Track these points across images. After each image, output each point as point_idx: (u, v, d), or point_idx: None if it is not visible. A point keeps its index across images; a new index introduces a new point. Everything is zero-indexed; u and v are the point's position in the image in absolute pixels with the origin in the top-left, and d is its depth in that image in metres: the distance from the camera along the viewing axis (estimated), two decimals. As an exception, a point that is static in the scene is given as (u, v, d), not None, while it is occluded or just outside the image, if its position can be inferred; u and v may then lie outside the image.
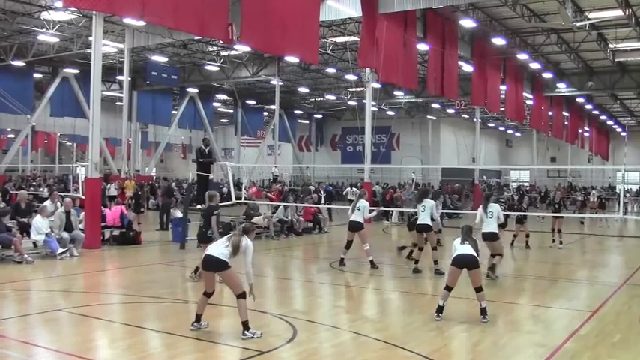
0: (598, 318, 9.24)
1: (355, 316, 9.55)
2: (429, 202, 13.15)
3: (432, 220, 13.28)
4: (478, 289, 8.87)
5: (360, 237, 13.66)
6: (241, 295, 7.55)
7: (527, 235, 17.92)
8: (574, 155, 54.27)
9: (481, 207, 12.40)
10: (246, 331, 7.50)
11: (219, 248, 7.69)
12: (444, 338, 8.11)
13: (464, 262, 8.84)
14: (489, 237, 12.17)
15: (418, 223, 13.15)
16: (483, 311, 8.80)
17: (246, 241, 7.71)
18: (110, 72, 34.47)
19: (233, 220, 20.32)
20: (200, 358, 7.04)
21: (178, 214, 17.86)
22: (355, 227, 13.70)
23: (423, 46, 25.93)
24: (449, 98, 35.82)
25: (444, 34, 25.91)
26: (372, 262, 13.34)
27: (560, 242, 18.00)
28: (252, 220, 19.57)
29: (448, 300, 8.92)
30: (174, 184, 32.71)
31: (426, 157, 52.87)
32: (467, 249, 8.93)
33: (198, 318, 7.92)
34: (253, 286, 7.72)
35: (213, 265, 7.63)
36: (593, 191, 34.66)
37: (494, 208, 12.24)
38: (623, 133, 58.52)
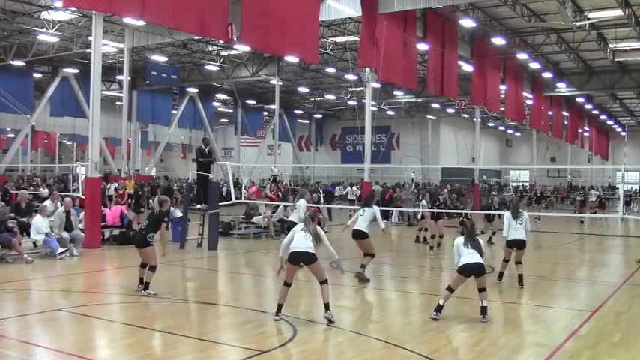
0: (598, 318, 9.24)
1: (355, 315, 9.56)
2: (369, 210, 12.22)
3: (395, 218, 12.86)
4: (482, 290, 8.92)
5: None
6: (325, 281, 8.54)
7: (494, 233, 18.56)
8: (574, 155, 54.28)
9: (509, 213, 11.75)
10: (329, 311, 8.42)
11: (304, 242, 8.45)
12: (444, 338, 8.11)
13: (471, 271, 8.84)
14: (520, 245, 11.57)
15: (354, 229, 12.16)
16: (484, 310, 8.80)
17: (319, 228, 8.84)
18: (110, 72, 34.51)
19: (233, 219, 20.39)
20: (200, 357, 7.04)
21: (178, 213, 17.86)
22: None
23: (422, 46, 25.93)
24: (449, 98, 35.82)
25: (443, 33, 25.90)
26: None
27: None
28: (252, 220, 19.80)
29: (449, 300, 8.93)
30: (175, 185, 32.78)
31: (426, 157, 52.89)
32: (474, 257, 8.81)
33: (279, 308, 8.55)
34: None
35: (307, 258, 8.48)
36: (592, 191, 34.68)
37: (525, 214, 11.68)
38: (623, 133, 58.53)
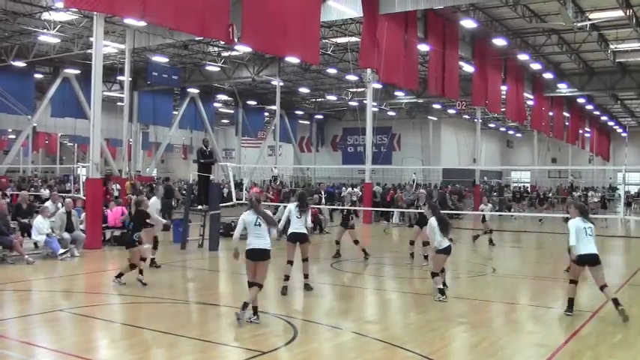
0: (599, 318, 9.23)
1: (356, 316, 9.55)
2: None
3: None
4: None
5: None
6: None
7: (491, 232, 18.63)
8: (575, 156, 54.24)
9: (578, 220, 9.32)
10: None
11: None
12: (445, 338, 8.11)
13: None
14: (594, 260, 9.13)
15: (292, 231, 10.93)
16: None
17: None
18: (111, 72, 34.47)
19: (234, 220, 20.37)
20: (201, 358, 7.04)
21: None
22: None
23: (423, 47, 25.93)
24: (450, 99, 35.84)
25: (444, 34, 25.90)
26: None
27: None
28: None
29: (450, 300, 8.93)
30: (178, 186, 32.76)
31: (427, 158, 52.85)
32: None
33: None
34: None
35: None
36: (592, 192, 34.65)
37: (592, 223, 9.48)
38: (624, 134, 58.51)
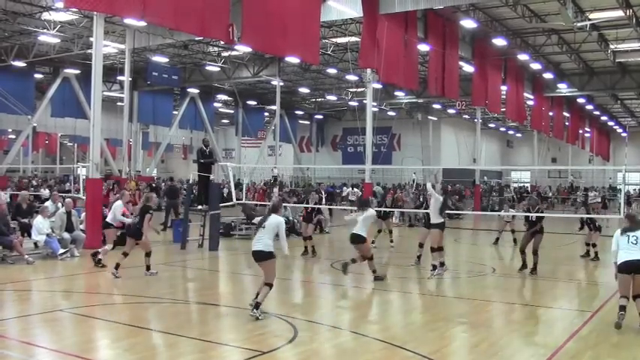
0: (599, 318, 9.23)
1: (356, 316, 9.56)
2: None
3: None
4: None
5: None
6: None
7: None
8: (575, 156, 54.23)
9: (623, 231, 8.76)
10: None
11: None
12: (445, 338, 8.11)
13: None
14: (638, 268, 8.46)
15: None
16: None
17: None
18: (111, 72, 34.48)
19: (234, 220, 20.39)
20: (201, 358, 7.04)
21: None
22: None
23: (423, 47, 25.91)
24: (450, 99, 35.83)
25: (444, 34, 25.89)
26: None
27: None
28: (253, 221, 19.79)
29: (450, 300, 8.92)
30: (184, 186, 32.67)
31: (427, 158, 52.81)
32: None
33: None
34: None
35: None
36: (594, 192, 34.61)
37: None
38: (624, 134, 58.49)
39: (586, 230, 16.23)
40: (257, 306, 8.56)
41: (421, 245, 14.37)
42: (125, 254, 11.83)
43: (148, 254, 11.99)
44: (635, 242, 8.52)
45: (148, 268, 12.01)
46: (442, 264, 12.49)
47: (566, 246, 18.47)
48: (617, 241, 8.69)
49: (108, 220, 13.87)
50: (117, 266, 11.69)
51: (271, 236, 8.75)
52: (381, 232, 17.81)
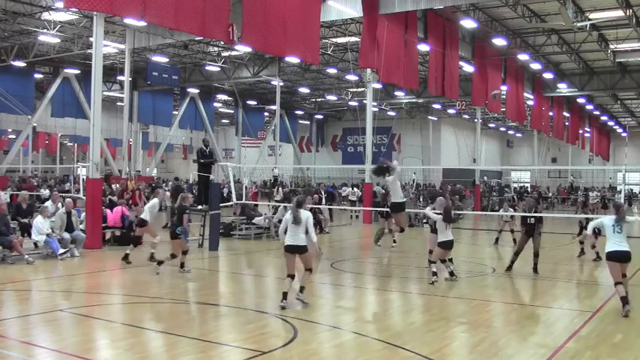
0: (599, 318, 9.23)
1: (356, 316, 9.56)
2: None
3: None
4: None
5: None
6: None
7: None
8: (575, 156, 54.25)
9: (612, 218, 9.63)
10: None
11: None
12: (445, 339, 8.10)
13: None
14: (626, 258, 9.44)
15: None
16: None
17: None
18: (111, 72, 34.49)
19: (234, 220, 20.39)
20: (201, 358, 7.03)
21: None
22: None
23: (423, 47, 25.92)
24: (450, 99, 35.81)
25: (444, 34, 25.90)
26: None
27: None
28: (253, 221, 19.80)
29: (450, 300, 8.93)
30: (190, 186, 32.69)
31: (427, 158, 52.86)
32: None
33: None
34: None
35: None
36: (596, 192, 34.59)
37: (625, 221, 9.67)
38: (624, 134, 58.51)
39: (583, 231, 16.23)
40: (302, 290, 9.45)
41: (431, 252, 14.10)
42: (173, 256, 12.26)
43: (184, 252, 12.39)
44: (620, 231, 9.46)
45: (182, 265, 12.37)
46: (451, 273, 12.19)
47: (566, 246, 18.46)
48: (602, 223, 9.77)
49: (144, 217, 13.89)
50: (182, 265, 12.34)
51: (304, 230, 9.40)
52: (384, 231, 17.77)
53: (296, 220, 9.34)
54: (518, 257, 13.22)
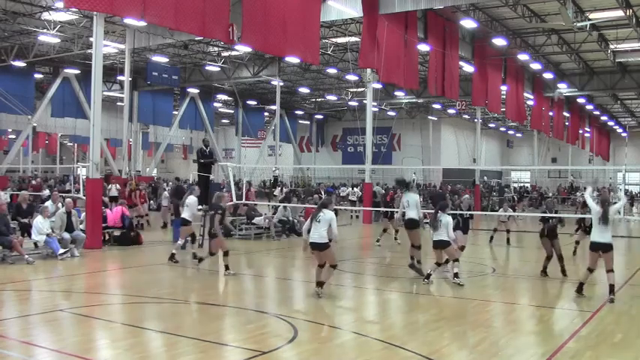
0: (599, 318, 9.23)
1: (356, 316, 9.56)
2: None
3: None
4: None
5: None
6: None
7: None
8: (575, 156, 54.25)
9: (599, 211, 10.20)
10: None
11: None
12: (445, 338, 8.10)
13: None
14: (605, 248, 10.20)
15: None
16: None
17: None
18: (111, 72, 34.49)
19: (234, 220, 20.37)
20: (201, 358, 7.03)
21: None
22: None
23: (423, 47, 25.93)
24: (450, 99, 35.81)
25: (444, 34, 25.90)
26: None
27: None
28: (253, 221, 19.80)
29: (450, 300, 8.93)
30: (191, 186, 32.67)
31: (427, 158, 52.88)
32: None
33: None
34: None
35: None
36: (596, 192, 34.53)
37: (613, 208, 10.36)
38: (624, 134, 58.51)
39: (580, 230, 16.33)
40: (321, 284, 10.08)
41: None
42: (226, 253, 12.44)
43: (226, 254, 12.40)
44: (605, 224, 10.13)
45: (227, 267, 12.35)
46: (456, 275, 11.91)
47: (565, 246, 18.41)
48: (593, 208, 10.35)
49: (185, 216, 14.02)
50: (226, 267, 12.37)
51: (326, 228, 9.94)
52: (386, 231, 17.84)
53: (318, 219, 9.96)
54: (550, 261, 13.00)
